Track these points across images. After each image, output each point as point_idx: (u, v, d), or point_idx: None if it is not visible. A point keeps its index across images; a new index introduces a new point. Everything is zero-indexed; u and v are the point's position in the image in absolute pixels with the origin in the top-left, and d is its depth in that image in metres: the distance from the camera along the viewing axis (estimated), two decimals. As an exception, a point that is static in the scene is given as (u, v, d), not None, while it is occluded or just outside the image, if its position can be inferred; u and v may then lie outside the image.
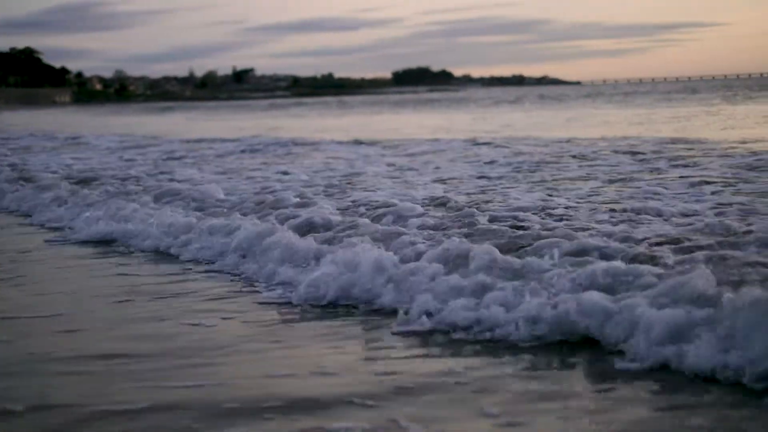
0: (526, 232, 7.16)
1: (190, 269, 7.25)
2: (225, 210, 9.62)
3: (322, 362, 4.50)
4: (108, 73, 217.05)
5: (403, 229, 7.50)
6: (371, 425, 3.61)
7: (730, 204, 8.54)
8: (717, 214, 7.82)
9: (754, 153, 13.94)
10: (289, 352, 4.74)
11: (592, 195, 10.01)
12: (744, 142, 16.49)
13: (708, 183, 10.51)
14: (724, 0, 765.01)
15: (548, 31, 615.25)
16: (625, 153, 15.29)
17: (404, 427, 3.60)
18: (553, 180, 11.90)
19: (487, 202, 9.58)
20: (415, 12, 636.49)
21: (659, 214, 8.04)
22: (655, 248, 6.18)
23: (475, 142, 19.99)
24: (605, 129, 24.86)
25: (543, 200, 9.46)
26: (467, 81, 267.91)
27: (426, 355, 4.62)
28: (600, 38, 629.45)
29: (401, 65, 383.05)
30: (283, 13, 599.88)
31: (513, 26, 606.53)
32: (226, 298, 6.14)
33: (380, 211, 8.74)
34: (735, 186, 10.18)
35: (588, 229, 7.11)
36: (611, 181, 11.33)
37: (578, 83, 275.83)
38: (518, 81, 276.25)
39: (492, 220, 8.05)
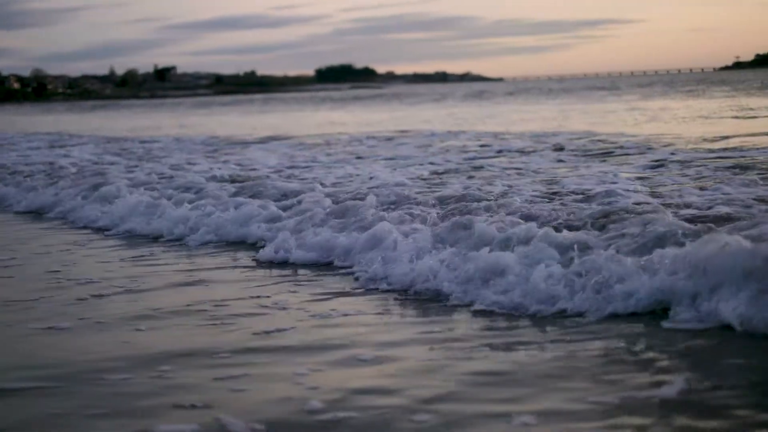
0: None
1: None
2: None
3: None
4: (25, 72, 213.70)
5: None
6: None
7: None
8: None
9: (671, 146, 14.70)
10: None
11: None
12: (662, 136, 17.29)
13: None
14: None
15: (472, 28, 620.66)
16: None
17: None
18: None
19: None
20: (338, 9, 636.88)
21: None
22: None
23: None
24: (531, 125, 25.54)
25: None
26: (390, 78, 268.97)
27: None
28: (523, 35, 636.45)
29: (324, 63, 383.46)
30: (206, 11, 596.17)
31: (436, 23, 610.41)
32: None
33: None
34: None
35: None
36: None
37: (501, 80, 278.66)
38: (441, 78, 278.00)
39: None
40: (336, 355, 4.48)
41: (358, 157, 16.69)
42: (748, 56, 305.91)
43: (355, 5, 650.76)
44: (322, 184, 11.43)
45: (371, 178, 12.49)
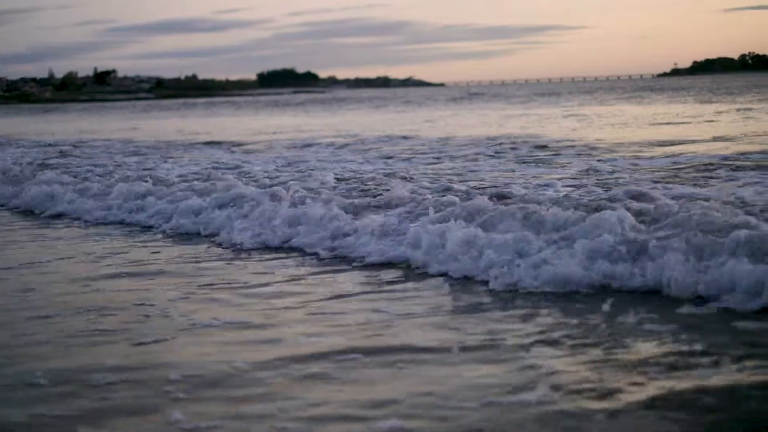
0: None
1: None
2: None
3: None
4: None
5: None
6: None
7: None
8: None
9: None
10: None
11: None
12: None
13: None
14: (585, 4, 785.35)
15: (415, 33, 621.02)
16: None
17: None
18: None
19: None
20: (281, 13, 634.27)
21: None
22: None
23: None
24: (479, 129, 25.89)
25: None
26: (333, 82, 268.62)
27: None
28: (468, 40, 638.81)
29: (267, 66, 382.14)
30: (147, 14, 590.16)
31: (379, 28, 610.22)
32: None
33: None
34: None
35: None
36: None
37: (443, 85, 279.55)
38: (384, 83, 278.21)
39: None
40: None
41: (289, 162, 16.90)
42: (685, 63, 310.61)
43: (299, 9, 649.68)
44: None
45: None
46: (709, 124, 22.88)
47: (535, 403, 3.80)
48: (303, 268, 7.14)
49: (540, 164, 14.16)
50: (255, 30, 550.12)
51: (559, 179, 11.43)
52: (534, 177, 12.04)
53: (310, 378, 4.24)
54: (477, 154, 16.46)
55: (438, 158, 16.10)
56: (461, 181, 11.54)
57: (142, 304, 5.94)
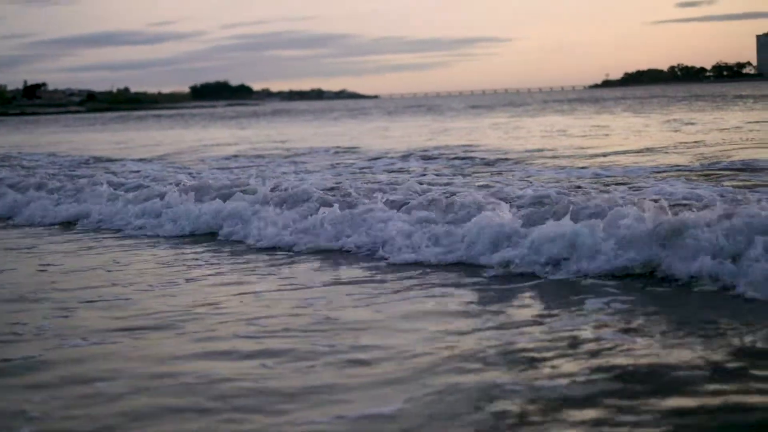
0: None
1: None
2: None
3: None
4: None
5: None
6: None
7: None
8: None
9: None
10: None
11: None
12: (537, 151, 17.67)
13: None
14: (517, 16, 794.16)
15: (349, 45, 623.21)
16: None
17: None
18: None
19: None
20: (215, 26, 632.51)
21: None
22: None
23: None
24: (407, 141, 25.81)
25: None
26: (266, 95, 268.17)
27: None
28: (402, 52, 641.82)
29: (200, 79, 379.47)
30: (78, 26, 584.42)
31: (313, 40, 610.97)
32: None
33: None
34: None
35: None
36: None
37: (377, 97, 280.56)
38: (317, 95, 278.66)
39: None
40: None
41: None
42: (617, 75, 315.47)
43: (232, 22, 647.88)
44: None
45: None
46: (637, 135, 23.02)
47: None
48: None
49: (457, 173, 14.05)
50: (188, 42, 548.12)
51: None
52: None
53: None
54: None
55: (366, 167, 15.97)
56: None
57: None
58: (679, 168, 13.35)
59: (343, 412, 3.80)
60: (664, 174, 12.50)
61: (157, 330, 5.33)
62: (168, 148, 28.76)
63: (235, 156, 22.13)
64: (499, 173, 14.18)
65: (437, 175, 14.43)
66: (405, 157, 18.85)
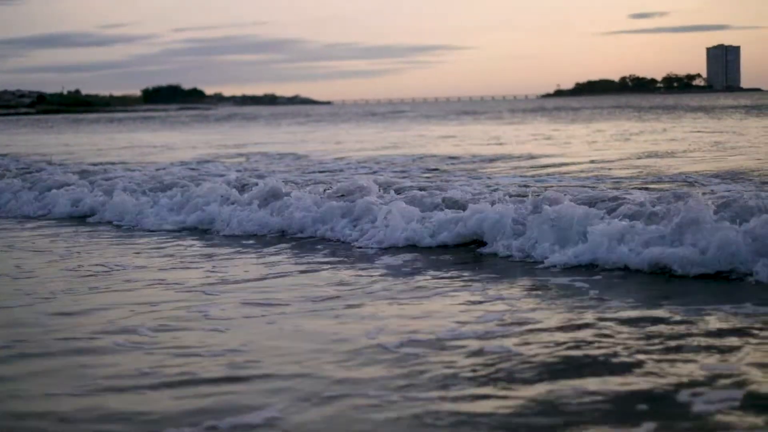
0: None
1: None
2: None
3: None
4: None
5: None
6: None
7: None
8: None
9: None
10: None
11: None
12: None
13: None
14: (470, 25, 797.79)
15: (302, 51, 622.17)
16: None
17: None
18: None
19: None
20: (168, 29, 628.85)
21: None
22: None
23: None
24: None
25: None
26: (219, 99, 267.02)
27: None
28: (354, 59, 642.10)
29: (152, 83, 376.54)
30: (28, 27, 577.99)
31: (266, 45, 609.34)
32: None
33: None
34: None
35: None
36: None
37: (329, 103, 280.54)
38: (270, 100, 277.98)
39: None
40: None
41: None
42: (569, 84, 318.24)
43: (185, 26, 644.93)
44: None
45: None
46: (584, 145, 23.23)
47: None
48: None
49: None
50: (140, 46, 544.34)
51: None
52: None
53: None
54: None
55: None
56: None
57: None
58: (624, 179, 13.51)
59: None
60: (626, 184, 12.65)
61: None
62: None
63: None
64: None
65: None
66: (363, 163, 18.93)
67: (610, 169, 15.50)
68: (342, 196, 10.26)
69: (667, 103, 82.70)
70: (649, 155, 18.32)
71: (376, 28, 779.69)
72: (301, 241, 9.44)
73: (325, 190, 10.65)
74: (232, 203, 10.90)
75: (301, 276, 7.27)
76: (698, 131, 28.44)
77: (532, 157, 19.35)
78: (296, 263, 7.91)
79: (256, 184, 11.65)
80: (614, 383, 4.08)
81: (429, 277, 6.96)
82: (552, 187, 11.57)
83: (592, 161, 17.30)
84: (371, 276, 7.09)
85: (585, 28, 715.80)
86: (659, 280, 6.55)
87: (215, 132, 46.43)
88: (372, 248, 8.58)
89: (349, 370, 4.44)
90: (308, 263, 7.89)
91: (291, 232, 9.83)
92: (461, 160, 19.11)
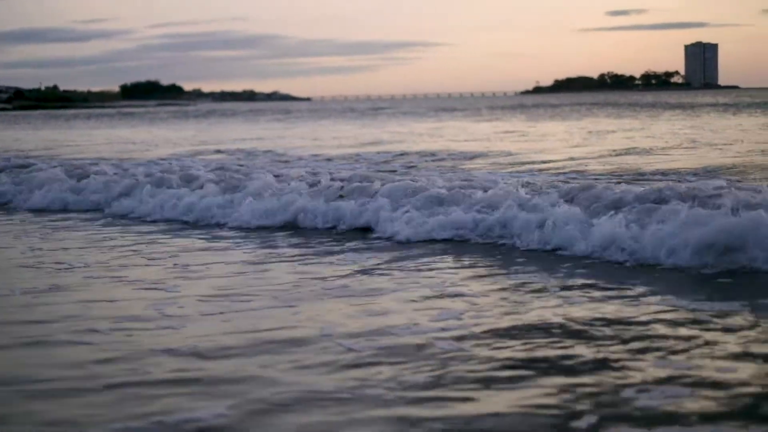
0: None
1: None
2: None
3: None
4: None
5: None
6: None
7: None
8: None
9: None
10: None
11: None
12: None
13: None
14: (449, 21, 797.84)
15: (279, 47, 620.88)
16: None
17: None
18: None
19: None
20: (145, 25, 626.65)
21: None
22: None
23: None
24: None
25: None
26: (198, 95, 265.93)
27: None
28: (333, 55, 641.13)
29: (130, 78, 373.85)
30: (5, 22, 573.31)
31: (245, 41, 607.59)
32: None
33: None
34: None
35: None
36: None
37: (308, 99, 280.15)
38: (249, 96, 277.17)
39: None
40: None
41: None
42: (547, 81, 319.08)
43: (162, 21, 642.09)
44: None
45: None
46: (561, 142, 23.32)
47: None
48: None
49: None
50: (118, 41, 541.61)
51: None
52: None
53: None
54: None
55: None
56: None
57: None
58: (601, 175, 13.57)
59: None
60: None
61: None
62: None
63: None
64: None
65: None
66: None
67: (587, 165, 15.59)
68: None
69: (645, 101, 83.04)
70: (627, 152, 18.41)
71: (354, 24, 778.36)
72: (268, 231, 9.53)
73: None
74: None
75: (262, 269, 7.36)
76: (676, 129, 28.57)
77: (510, 154, 19.40)
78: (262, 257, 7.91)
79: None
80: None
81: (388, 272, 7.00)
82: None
83: (571, 158, 17.37)
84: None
85: (564, 25, 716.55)
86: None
87: (192, 128, 46.28)
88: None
89: (301, 371, 4.43)
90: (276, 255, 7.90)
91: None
92: (438, 156, 19.15)
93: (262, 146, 25.73)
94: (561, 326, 5.08)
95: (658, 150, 18.80)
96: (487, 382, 4.12)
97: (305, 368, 4.44)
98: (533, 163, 16.63)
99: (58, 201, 13.00)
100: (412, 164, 17.30)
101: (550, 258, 7.40)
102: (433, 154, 19.92)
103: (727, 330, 4.89)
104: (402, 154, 20.11)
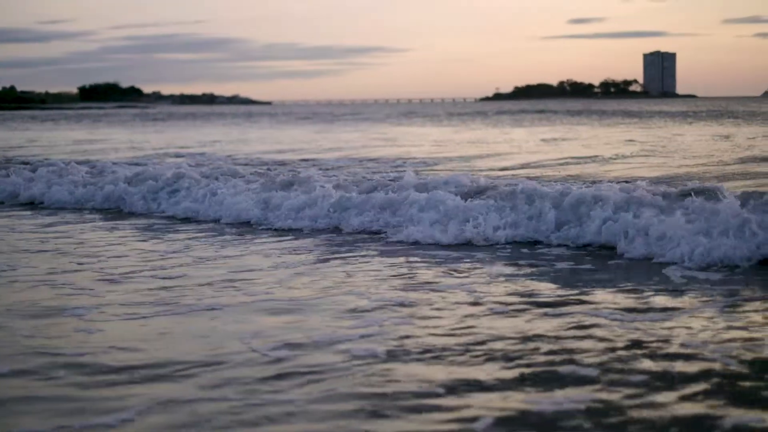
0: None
1: None
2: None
3: None
4: None
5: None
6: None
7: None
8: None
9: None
10: None
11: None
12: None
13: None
14: (410, 27, 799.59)
15: (240, 50, 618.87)
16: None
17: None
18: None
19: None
20: (105, 27, 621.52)
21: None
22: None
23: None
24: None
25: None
26: (158, 98, 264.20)
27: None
28: (291, 59, 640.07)
29: (89, 80, 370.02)
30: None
31: (205, 44, 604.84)
32: None
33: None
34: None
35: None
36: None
37: (269, 103, 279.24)
38: (209, 99, 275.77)
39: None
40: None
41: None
42: (507, 88, 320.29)
43: (122, 23, 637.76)
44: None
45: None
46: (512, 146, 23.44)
47: None
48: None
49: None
50: (77, 42, 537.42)
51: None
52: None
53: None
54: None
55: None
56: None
57: None
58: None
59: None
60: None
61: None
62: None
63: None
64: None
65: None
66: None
67: (542, 171, 15.68)
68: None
69: (603, 108, 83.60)
70: (584, 159, 18.54)
71: (314, 28, 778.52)
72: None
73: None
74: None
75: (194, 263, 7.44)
76: (631, 137, 28.82)
77: (469, 159, 19.49)
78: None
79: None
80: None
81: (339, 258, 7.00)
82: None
83: (526, 164, 17.48)
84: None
85: (524, 33, 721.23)
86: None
87: (153, 131, 45.98)
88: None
89: (218, 373, 4.43)
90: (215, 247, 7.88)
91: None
92: (389, 163, 19.19)
93: (221, 150, 25.67)
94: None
95: (614, 157, 18.96)
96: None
97: (224, 369, 4.43)
98: (491, 170, 16.70)
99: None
100: (376, 172, 17.26)
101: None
102: (399, 159, 19.93)
103: None
104: (361, 161, 20.10)
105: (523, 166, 17.27)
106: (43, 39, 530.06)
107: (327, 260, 7.84)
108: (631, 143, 24.92)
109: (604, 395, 3.96)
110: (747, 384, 4.10)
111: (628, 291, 6.24)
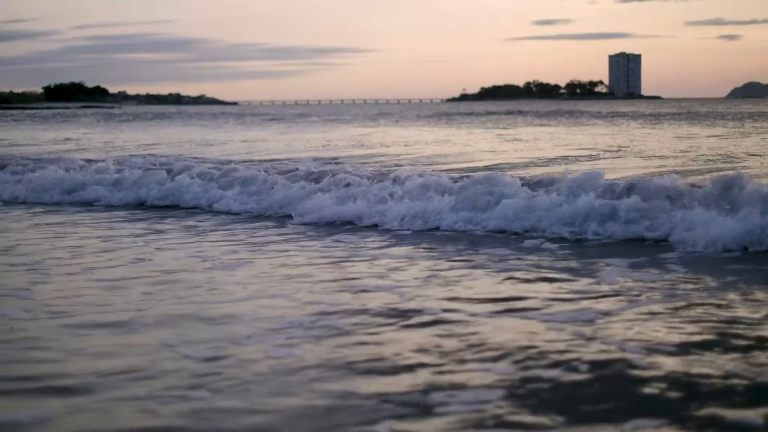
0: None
1: None
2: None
3: None
4: None
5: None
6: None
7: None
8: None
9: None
10: None
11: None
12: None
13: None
14: (375, 27, 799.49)
15: (206, 51, 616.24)
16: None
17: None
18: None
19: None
20: (69, 26, 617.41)
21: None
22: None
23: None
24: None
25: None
26: (123, 98, 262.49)
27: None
28: (257, 59, 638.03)
29: (54, 80, 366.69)
30: None
31: (171, 44, 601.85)
32: None
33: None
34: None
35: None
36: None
37: (236, 103, 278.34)
38: (176, 99, 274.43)
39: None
40: None
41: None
42: (474, 89, 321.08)
43: (87, 23, 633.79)
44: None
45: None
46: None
47: None
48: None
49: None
50: (41, 42, 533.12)
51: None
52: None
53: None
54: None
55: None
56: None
57: None
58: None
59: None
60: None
61: None
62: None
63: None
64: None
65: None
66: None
67: (508, 171, 15.71)
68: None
69: (568, 109, 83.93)
70: (550, 160, 18.60)
71: (280, 29, 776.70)
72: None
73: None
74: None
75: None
76: (596, 137, 28.99)
77: (437, 159, 19.51)
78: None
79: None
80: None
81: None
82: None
83: (491, 164, 17.51)
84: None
85: (490, 34, 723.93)
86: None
87: (121, 131, 45.68)
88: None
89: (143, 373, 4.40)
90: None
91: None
92: (354, 159, 19.19)
93: (189, 151, 25.54)
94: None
95: (582, 157, 19.04)
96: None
97: (147, 368, 4.43)
98: (459, 171, 16.71)
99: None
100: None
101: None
102: (363, 158, 19.92)
103: None
104: (330, 162, 20.07)
105: (487, 168, 17.30)
106: (6, 38, 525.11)
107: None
108: (594, 143, 25.01)
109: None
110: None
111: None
